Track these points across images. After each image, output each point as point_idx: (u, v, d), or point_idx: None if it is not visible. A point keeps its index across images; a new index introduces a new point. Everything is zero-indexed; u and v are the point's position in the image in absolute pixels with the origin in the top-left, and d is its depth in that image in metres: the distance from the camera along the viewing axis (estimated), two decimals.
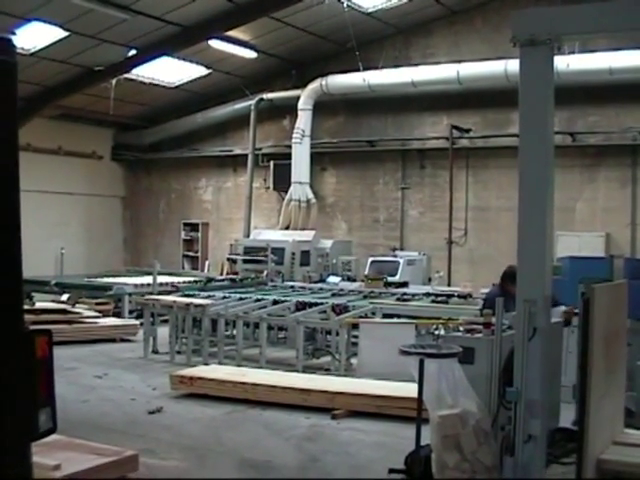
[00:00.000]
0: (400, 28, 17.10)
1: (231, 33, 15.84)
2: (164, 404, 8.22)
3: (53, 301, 13.78)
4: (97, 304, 14.24)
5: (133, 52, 16.06)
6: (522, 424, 4.94)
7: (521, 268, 5.12)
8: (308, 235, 16.74)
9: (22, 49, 14.81)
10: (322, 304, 11.19)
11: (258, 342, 10.79)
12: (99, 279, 16.31)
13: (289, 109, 18.36)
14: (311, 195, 18.00)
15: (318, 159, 18.42)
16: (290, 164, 17.97)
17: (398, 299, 11.74)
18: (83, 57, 16.02)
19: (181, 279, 15.63)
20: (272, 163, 18.81)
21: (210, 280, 15.25)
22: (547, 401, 5.16)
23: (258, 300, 11.78)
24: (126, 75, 17.19)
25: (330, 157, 18.69)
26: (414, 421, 5.39)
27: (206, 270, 19.37)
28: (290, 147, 18.05)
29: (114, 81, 17.12)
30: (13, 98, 2.58)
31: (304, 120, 17.90)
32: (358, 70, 16.48)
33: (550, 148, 5.14)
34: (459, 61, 15.92)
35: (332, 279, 14.74)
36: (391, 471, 5.83)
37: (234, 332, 11.29)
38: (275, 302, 11.59)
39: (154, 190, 21.81)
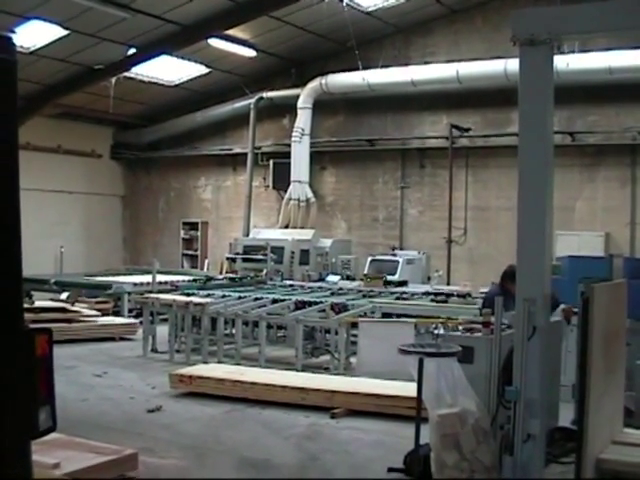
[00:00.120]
0: (400, 27, 17.08)
1: (231, 32, 15.82)
2: (163, 403, 8.22)
3: (52, 300, 13.80)
4: (96, 303, 14.22)
5: (133, 51, 16.04)
6: (521, 423, 4.95)
7: (520, 267, 5.12)
8: (307, 234, 16.73)
9: (22, 47, 14.80)
10: (321, 303, 11.20)
11: (257, 341, 10.79)
12: (98, 278, 16.30)
13: (289, 108, 18.34)
14: (310, 194, 17.98)
15: (318, 158, 18.41)
16: (290, 163, 17.96)
17: (397, 298, 11.76)
18: (83, 56, 16.01)
19: (180, 278, 15.63)
20: (272, 162, 18.79)
21: (209, 279, 15.26)
22: (546, 400, 5.17)
23: (257, 299, 11.80)
24: (126, 74, 17.18)
25: (330, 156, 18.68)
26: (413, 420, 5.41)
27: (205, 269, 19.40)
28: (290, 146, 18.02)
29: (114, 80, 17.12)
30: (13, 97, 2.57)
31: (304, 119, 17.88)
32: (358, 69, 16.46)
33: (550, 147, 5.14)
34: (459, 60, 15.89)
35: (331, 278, 14.74)
36: (390, 470, 5.84)
37: (233, 331, 11.29)
38: (274, 301, 11.60)
39: (154, 189, 21.80)
